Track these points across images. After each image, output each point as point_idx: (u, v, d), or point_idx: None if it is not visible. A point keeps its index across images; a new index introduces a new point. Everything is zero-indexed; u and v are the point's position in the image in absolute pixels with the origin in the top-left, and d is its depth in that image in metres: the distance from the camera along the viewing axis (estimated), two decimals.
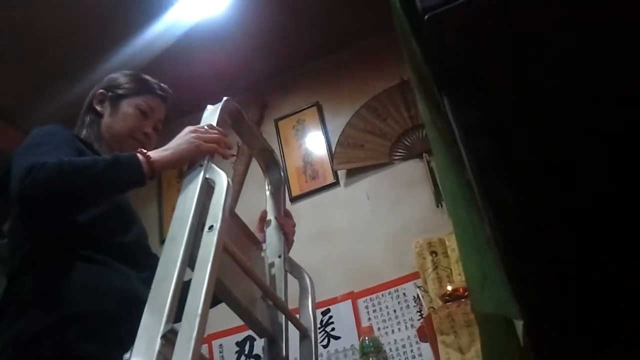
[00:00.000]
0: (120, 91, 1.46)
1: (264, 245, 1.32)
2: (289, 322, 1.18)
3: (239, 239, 1.18)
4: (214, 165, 1.07)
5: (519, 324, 0.76)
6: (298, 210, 2.77)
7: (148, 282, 1.22)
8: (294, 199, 2.92)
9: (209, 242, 0.87)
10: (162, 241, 2.99)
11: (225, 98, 1.28)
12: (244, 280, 1.06)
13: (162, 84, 1.51)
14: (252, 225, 1.39)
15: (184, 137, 1.19)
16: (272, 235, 1.34)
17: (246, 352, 2.67)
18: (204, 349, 2.68)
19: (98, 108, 1.46)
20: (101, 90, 1.48)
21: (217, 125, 1.22)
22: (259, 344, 2.59)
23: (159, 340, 0.76)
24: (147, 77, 1.52)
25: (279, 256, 1.29)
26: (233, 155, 2.96)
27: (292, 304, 1.24)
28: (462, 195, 0.98)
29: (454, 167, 1.06)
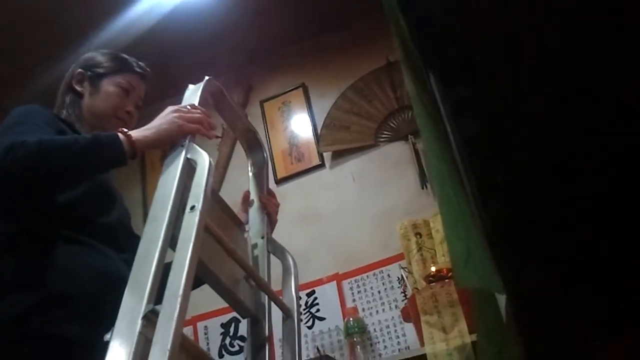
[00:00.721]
0: (99, 70, 1.45)
1: (247, 227, 1.32)
2: (272, 303, 1.18)
3: (222, 220, 1.18)
4: (195, 146, 1.06)
5: (502, 298, 0.77)
6: (283, 192, 2.76)
7: (130, 263, 1.21)
8: (279, 181, 2.91)
9: (191, 222, 0.86)
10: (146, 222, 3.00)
11: (207, 77, 1.27)
12: (227, 261, 1.06)
13: (140, 62, 1.50)
14: (237, 207, 1.38)
15: (166, 117, 1.17)
16: (255, 216, 1.34)
17: (231, 333, 2.68)
18: (189, 330, 2.68)
19: (78, 88, 1.44)
20: (80, 70, 1.46)
21: (198, 105, 1.21)
22: (244, 326, 2.58)
23: (139, 321, 0.76)
24: (125, 55, 1.50)
25: (262, 237, 1.29)
26: (217, 137, 2.94)
27: (275, 286, 1.25)
28: (448, 172, 0.99)
29: (440, 144, 1.06)
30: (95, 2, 2.68)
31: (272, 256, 1.29)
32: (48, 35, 2.75)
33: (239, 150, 2.99)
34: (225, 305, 1.14)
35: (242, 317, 1.18)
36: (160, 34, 2.80)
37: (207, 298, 1.27)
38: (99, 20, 2.71)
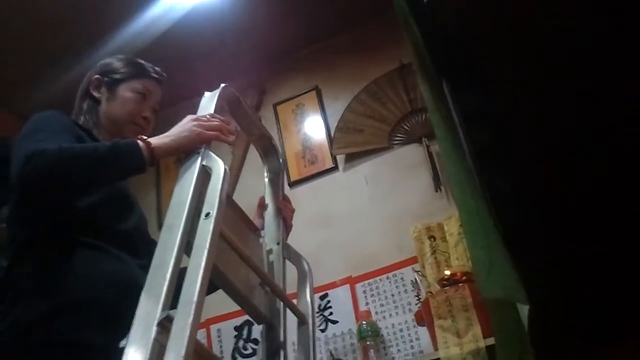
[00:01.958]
0: (116, 76, 1.46)
1: (262, 232, 1.32)
2: (287, 309, 1.19)
3: (237, 226, 1.18)
4: (211, 153, 1.07)
5: (525, 309, 0.76)
6: (297, 195, 2.77)
7: (147, 269, 1.23)
8: (292, 184, 2.91)
9: (206, 229, 0.87)
10: (160, 227, 2.98)
11: (222, 85, 1.28)
12: (242, 267, 1.06)
13: (156, 67, 1.51)
14: (250, 211, 1.39)
15: (185, 125, 1.18)
16: (270, 221, 1.34)
17: (244, 336, 2.69)
18: (202, 333, 2.69)
19: (95, 94, 1.46)
20: (97, 76, 1.47)
21: (214, 112, 1.22)
22: (257, 329, 2.60)
23: (154, 328, 0.77)
24: (141, 60, 1.51)
25: (277, 243, 1.29)
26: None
27: (289, 289, 1.25)
28: (467, 181, 0.98)
29: (458, 152, 1.06)
30: (109, 6, 2.70)
31: (287, 262, 1.29)
32: (60, 39, 2.78)
33: (252, 153, 3.00)
34: (239, 308, 1.14)
35: (257, 323, 1.18)
36: (174, 38, 2.82)
37: (221, 301, 1.27)
38: (113, 25, 2.73)
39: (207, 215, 0.89)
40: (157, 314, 0.77)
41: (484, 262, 0.85)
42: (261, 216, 1.40)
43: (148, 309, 0.78)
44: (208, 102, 1.23)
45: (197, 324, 0.76)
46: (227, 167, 0.99)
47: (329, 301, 2.59)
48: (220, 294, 1.10)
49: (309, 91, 3.12)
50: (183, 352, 0.71)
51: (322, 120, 3.03)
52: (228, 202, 1.11)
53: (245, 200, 1.43)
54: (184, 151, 1.16)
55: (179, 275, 0.85)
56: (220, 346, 2.69)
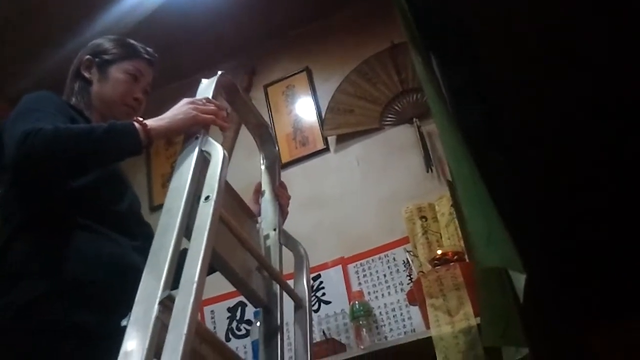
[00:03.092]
0: (107, 57, 1.44)
1: (259, 218, 1.34)
2: (284, 293, 1.20)
3: (235, 211, 1.19)
4: (209, 138, 1.07)
5: (522, 278, 0.77)
6: (288, 177, 2.75)
7: (141, 250, 1.24)
8: (284, 166, 2.91)
9: (206, 212, 0.88)
10: (151, 209, 3.02)
11: (219, 72, 1.28)
12: (240, 250, 1.07)
13: (147, 48, 1.50)
14: (243, 193, 1.39)
15: (181, 108, 1.18)
16: (267, 207, 1.35)
17: (237, 317, 2.71)
18: None
19: (86, 75, 1.44)
20: (88, 57, 1.46)
21: (212, 98, 1.22)
22: (251, 310, 2.62)
23: (156, 307, 0.78)
24: (132, 41, 1.50)
25: (274, 229, 1.31)
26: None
27: (284, 272, 1.26)
28: (463, 152, 0.99)
29: (452, 123, 1.06)
30: None
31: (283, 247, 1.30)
32: (49, 21, 2.74)
33: (243, 134, 2.98)
34: (232, 289, 1.15)
35: (254, 306, 1.20)
36: (163, 18, 2.79)
37: (213, 283, 1.28)
38: (101, 5, 2.69)
39: (207, 198, 0.89)
40: (159, 293, 0.78)
41: (482, 232, 0.86)
42: (257, 202, 1.41)
43: (150, 289, 0.79)
44: (205, 89, 1.23)
45: (198, 304, 0.77)
46: (226, 152, 0.99)
47: (321, 282, 2.60)
48: (212, 275, 1.11)
49: (300, 72, 3.11)
50: (185, 330, 0.71)
51: (312, 102, 3.02)
52: (226, 188, 1.12)
53: (238, 181, 1.43)
54: (180, 133, 1.16)
55: (179, 258, 0.85)
56: (214, 327, 2.70)
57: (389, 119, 2.84)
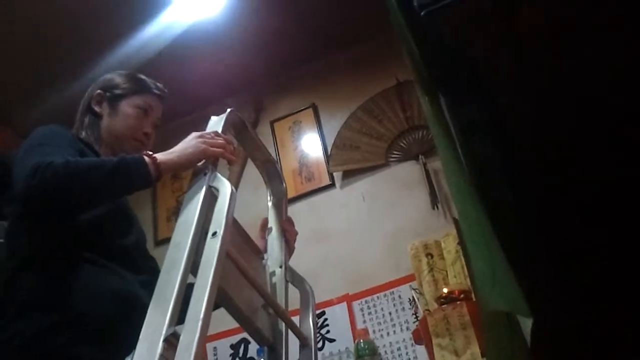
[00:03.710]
0: (118, 91, 1.46)
1: (265, 255, 1.33)
2: (289, 331, 1.18)
3: (241, 247, 1.19)
4: (218, 174, 1.07)
5: (529, 323, 0.75)
6: (294, 212, 2.73)
7: (146, 285, 1.23)
8: (289, 201, 2.87)
9: (213, 247, 0.87)
10: (156, 243, 3.01)
11: (228, 109, 1.29)
12: (246, 287, 1.06)
13: (157, 83, 1.52)
14: (249, 227, 1.39)
15: (190, 142, 1.19)
16: (273, 244, 1.35)
17: (240, 354, 2.66)
18: None
19: (96, 109, 1.46)
20: (99, 91, 1.47)
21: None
22: (254, 347, 2.58)
23: (161, 344, 0.76)
24: (143, 76, 1.52)
25: (280, 266, 1.29)
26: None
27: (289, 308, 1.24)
28: (468, 191, 0.98)
29: (458, 162, 1.06)
30: (107, 24, 2.72)
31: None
32: (59, 54, 2.79)
33: (249, 169, 3.00)
34: (235, 326, 1.14)
35: (259, 344, 1.18)
36: (173, 54, 2.84)
37: (217, 319, 1.26)
38: (112, 41, 2.75)
39: (214, 234, 0.89)
40: (164, 329, 0.77)
41: (487, 274, 0.84)
42: (264, 237, 1.40)
43: (155, 325, 0.78)
44: (215, 125, 1.24)
45: (203, 342, 0.75)
46: (234, 189, 0.99)
47: (326, 319, 2.57)
48: (216, 311, 1.10)
49: (306, 108, 3.14)
50: None
51: (319, 138, 3.04)
52: (233, 223, 1.11)
53: (244, 216, 1.42)
54: (189, 167, 1.17)
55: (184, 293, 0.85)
56: None
57: (394, 156, 2.85)
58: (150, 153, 1.18)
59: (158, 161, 1.16)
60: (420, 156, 2.76)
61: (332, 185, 2.91)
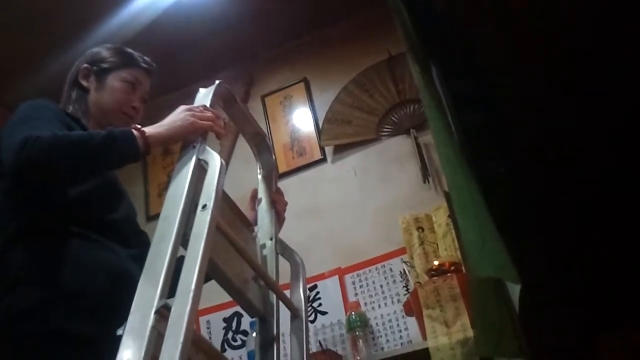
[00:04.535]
0: (105, 65, 1.45)
1: (255, 228, 1.33)
2: (280, 303, 1.19)
3: (231, 220, 1.19)
4: (207, 147, 1.07)
5: (516, 289, 0.77)
6: (285, 187, 2.72)
7: (137, 259, 1.23)
8: (281, 176, 2.90)
9: (203, 220, 0.87)
10: (148, 218, 3.01)
11: (217, 81, 1.28)
12: (236, 260, 1.07)
13: (145, 57, 1.51)
14: (240, 201, 1.39)
15: (178, 115, 1.19)
16: (263, 216, 1.35)
17: (233, 328, 2.69)
18: None
19: (84, 83, 1.45)
20: (85, 65, 1.46)
21: (209, 107, 1.23)
22: (247, 320, 2.60)
23: (152, 316, 0.77)
24: (130, 50, 1.51)
25: (271, 238, 1.30)
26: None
27: (280, 281, 1.25)
28: (458, 161, 0.99)
29: (449, 132, 1.06)
30: None
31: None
32: (48, 29, 2.74)
33: (240, 143, 2.99)
34: (228, 299, 1.15)
35: (250, 316, 1.19)
36: (161, 28, 2.80)
37: (209, 292, 1.28)
38: (100, 15, 2.70)
39: (204, 207, 0.89)
40: (155, 302, 0.77)
41: (477, 242, 0.86)
42: (253, 208, 1.40)
43: (146, 298, 0.79)
44: (203, 98, 1.23)
45: (194, 313, 0.76)
46: (223, 161, 0.99)
47: (318, 292, 2.59)
48: (208, 284, 1.11)
49: (297, 83, 3.12)
50: (181, 339, 0.71)
51: (310, 112, 3.03)
52: (223, 196, 1.12)
53: (235, 191, 1.43)
54: (178, 140, 1.16)
55: (175, 265, 0.85)
56: (210, 337, 2.68)
57: (386, 130, 2.85)
58: (139, 126, 1.17)
59: (146, 134, 1.16)
60: (411, 130, 2.76)
61: (323, 159, 2.91)
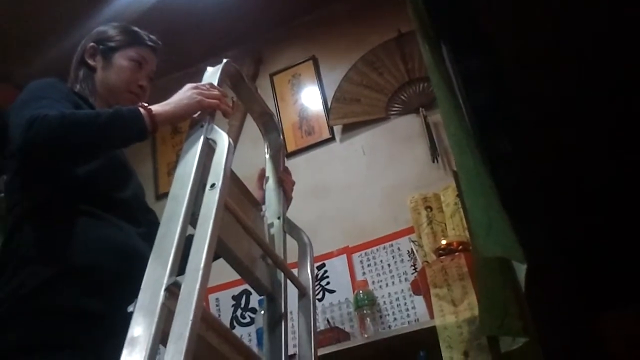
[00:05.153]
0: (111, 44, 1.44)
1: (263, 207, 1.34)
2: (288, 281, 1.20)
3: (239, 199, 1.19)
4: (215, 126, 1.07)
5: (523, 268, 0.77)
6: (294, 166, 2.73)
7: (146, 237, 1.24)
8: (289, 155, 2.91)
9: (211, 199, 0.88)
10: (157, 197, 3.02)
11: (225, 60, 1.27)
12: (245, 238, 1.07)
13: (151, 35, 1.50)
14: (248, 181, 1.39)
15: (185, 93, 1.18)
16: (271, 195, 1.35)
17: (242, 305, 2.72)
18: None
19: (90, 62, 1.44)
20: (92, 44, 1.46)
21: (217, 86, 1.22)
22: (255, 298, 2.63)
23: (162, 293, 0.78)
24: (136, 28, 1.50)
25: (278, 217, 1.31)
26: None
27: (288, 260, 1.26)
28: (467, 141, 0.98)
29: (458, 113, 1.06)
30: None
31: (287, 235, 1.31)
32: (56, 8, 2.73)
33: (249, 123, 2.98)
34: (236, 277, 1.16)
35: (258, 294, 1.20)
36: (169, 6, 2.78)
37: (219, 270, 1.28)
38: None
39: (212, 186, 0.89)
40: (165, 279, 0.78)
41: (483, 222, 0.85)
42: (261, 188, 1.40)
43: (156, 275, 0.79)
44: (210, 77, 1.23)
45: (204, 291, 0.77)
46: (231, 140, 0.99)
47: (326, 271, 2.61)
48: (217, 263, 1.11)
49: (306, 61, 3.10)
50: (191, 316, 0.72)
51: (319, 91, 3.01)
52: (231, 176, 1.12)
53: (243, 171, 1.43)
54: (185, 118, 1.16)
55: (184, 244, 0.86)
56: (219, 315, 2.72)
57: (395, 109, 2.83)
58: (146, 105, 1.17)
59: (153, 112, 1.16)
60: (420, 109, 2.74)
61: (332, 139, 2.91)
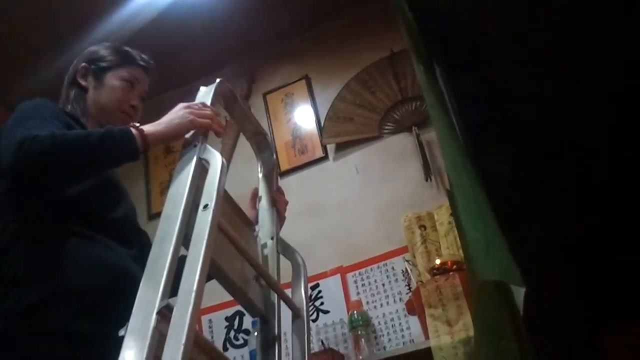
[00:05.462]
0: (103, 64, 1.44)
1: (256, 227, 1.33)
2: (282, 302, 1.19)
3: (233, 220, 1.18)
4: (208, 146, 1.07)
5: (521, 292, 0.76)
6: (287, 185, 2.75)
7: (138, 259, 1.22)
8: (282, 174, 2.90)
9: (204, 220, 0.87)
10: (149, 217, 3.00)
11: (218, 79, 1.27)
12: (238, 259, 1.06)
13: (143, 55, 1.50)
14: (241, 200, 1.38)
15: (177, 112, 1.18)
16: (264, 215, 1.35)
17: (235, 327, 2.69)
18: None
19: (82, 82, 1.44)
20: (84, 64, 1.46)
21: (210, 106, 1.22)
22: (248, 319, 2.60)
23: (154, 316, 0.76)
24: (128, 48, 1.50)
25: (272, 237, 1.30)
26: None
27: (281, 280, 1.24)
28: (462, 161, 0.98)
29: (452, 132, 1.05)
30: None
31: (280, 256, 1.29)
32: (50, 28, 2.74)
33: (242, 142, 2.98)
34: (229, 298, 1.14)
35: (252, 316, 1.18)
36: (162, 25, 2.79)
37: (211, 291, 1.27)
38: (100, 12, 2.69)
39: (206, 207, 0.88)
40: (157, 302, 0.77)
41: (481, 243, 0.85)
42: (254, 207, 1.40)
43: (148, 298, 0.78)
44: (203, 96, 1.23)
45: (197, 314, 0.75)
46: (224, 160, 0.98)
47: (320, 291, 2.59)
48: (210, 283, 1.10)
49: (299, 80, 3.11)
50: (183, 340, 0.70)
51: (312, 110, 3.02)
52: (224, 196, 1.11)
53: (237, 189, 1.42)
54: (177, 138, 1.16)
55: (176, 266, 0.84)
56: (212, 336, 2.68)
57: (388, 127, 2.84)
58: (137, 125, 1.17)
59: (145, 132, 1.15)
60: (413, 127, 2.74)
61: (325, 157, 2.90)
